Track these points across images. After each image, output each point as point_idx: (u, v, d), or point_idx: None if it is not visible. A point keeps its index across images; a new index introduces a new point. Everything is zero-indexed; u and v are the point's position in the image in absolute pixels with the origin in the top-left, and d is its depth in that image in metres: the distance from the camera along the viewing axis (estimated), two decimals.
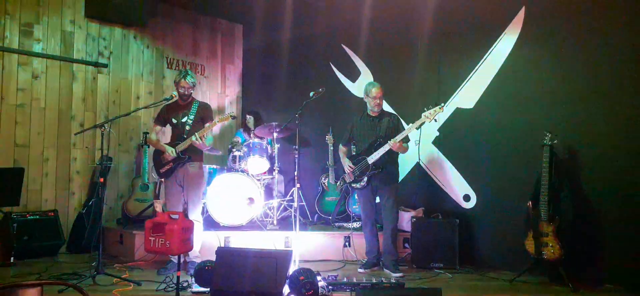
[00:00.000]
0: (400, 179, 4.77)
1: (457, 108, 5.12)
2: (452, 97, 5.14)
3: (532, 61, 4.63)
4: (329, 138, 5.79)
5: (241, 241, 4.92)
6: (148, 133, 5.42)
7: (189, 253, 4.14)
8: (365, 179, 4.51)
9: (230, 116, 4.47)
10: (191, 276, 3.91)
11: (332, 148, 5.76)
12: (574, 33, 4.39)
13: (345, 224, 5.43)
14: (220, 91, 7.03)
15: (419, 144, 4.81)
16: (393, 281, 4.08)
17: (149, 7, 6.01)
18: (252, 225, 5.16)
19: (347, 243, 5.04)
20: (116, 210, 5.80)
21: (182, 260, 3.87)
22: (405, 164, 5.36)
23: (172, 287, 3.76)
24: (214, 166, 5.77)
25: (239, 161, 5.39)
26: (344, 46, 6.09)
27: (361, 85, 5.21)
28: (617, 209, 4.11)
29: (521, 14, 4.70)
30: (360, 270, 4.54)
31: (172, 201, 4.46)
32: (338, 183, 5.65)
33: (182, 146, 4.32)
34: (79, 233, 5.31)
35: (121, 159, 5.95)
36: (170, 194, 4.49)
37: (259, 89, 6.97)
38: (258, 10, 6.21)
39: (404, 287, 3.78)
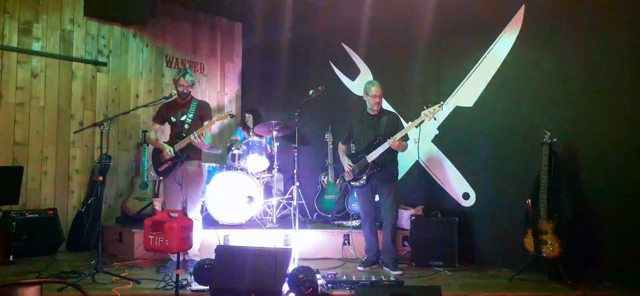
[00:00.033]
0: (399, 177, 4.77)
1: (456, 107, 5.12)
2: (452, 95, 5.14)
3: (532, 59, 4.63)
4: (328, 137, 5.79)
5: (240, 239, 4.92)
6: (147, 131, 5.42)
7: (188, 251, 4.13)
8: (365, 177, 4.51)
9: (229, 114, 4.44)
10: (190, 274, 3.90)
11: (331, 147, 5.76)
12: (574, 32, 4.39)
13: (344, 223, 5.43)
14: (219, 89, 7.02)
15: (419, 142, 4.81)
16: (392, 279, 4.08)
17: (149, 5, 5.99)
18: (251, 223, 5.16)
19: (346, 241, 5.04)
20: (115, 208, 5.80)
21: (181, 258, 3.86)
22: (405, 163, 5.35)
23: (171, 285, 3.75)
24: (213, 165, 5.78)
25: (238, 160, 5.40)
26: (344, 45, 6.08)
27: (361, 84, 5.20)
28: (616, 208, 4.11)
29: (521, 13, 4.70)
30: (359, 268, 4.54)
31: (171, 199, 4.46)
32: (337, 181, 5.67)
33: (180, 144, 4.32)
34: (78, 231, 5.31)
35: (120, 158, 5.95)
36: (169, 192, 4.48)
37: (259, 87, 6.96)
38: (258, 8, 6.21)
39: (403, 285, 3.78)
